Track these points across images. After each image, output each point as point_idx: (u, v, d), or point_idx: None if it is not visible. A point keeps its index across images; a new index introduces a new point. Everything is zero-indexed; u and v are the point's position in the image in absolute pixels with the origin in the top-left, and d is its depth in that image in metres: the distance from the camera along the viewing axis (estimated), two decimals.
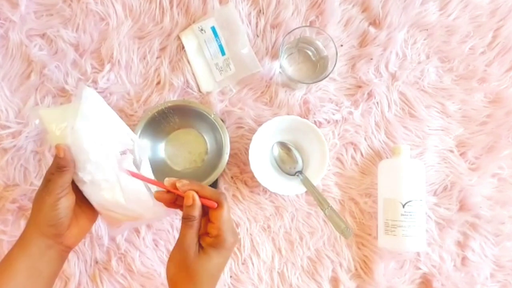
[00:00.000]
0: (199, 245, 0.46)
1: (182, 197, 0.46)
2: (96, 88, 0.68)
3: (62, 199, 0.47)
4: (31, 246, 0.47)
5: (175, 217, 0.68)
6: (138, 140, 0.55)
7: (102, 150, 0.49)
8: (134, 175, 0.51)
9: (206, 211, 0.47)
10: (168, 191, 0.47)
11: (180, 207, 0.48)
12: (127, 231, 0.67)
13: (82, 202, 0.50)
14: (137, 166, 0.54)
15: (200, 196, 0.46)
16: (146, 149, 0.55)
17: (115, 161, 0.50)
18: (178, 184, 0.46)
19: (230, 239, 0.46)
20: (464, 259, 0.69)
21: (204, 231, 0.47)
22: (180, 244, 0.46)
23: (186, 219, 0.46)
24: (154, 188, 0.54)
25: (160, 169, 0.67)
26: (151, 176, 0.55)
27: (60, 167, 0.46)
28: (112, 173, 0.50)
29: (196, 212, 0.45)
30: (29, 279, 0.47)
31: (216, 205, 0.46)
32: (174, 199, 0.48)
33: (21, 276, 0.47)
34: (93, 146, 0.48)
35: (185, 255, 0.45)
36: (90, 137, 0.48)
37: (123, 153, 0.53)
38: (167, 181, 0.47)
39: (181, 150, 0.69)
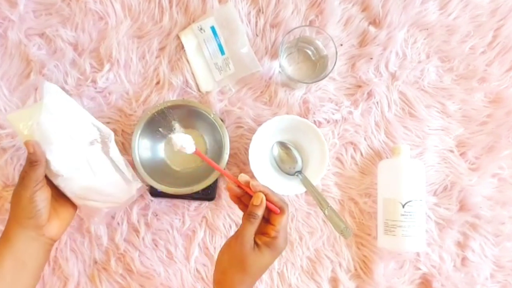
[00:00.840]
0: (254, 241, 0.50)
1: (249, 196, 0.51)
2: (95, 88, 0.68)
3: (37, 192, 0.49)
4: (14, 241, 0.49)
5: (175, 217, 0.68)
6: (105, 129, 0.58)
7: (70, 141, 0.52)
8: (207, 161, 0.54)
9: (267, 215, 0.52)
10: (239, 186, 0.51)
11: (242, 204, 0.52)
12: (126, 231, 0.67)
13: (59, 196, 0.53)
14: (106, 153, 0.57)
15: (267, 200, 0.50)
16: (112, 136, 0.59)
17: (84, 150, 0.53)
18: (252, 183, 0.50)
19: (283, 244, 0.51)
20: (464, 259, 0.69)
21: (260, 231, 0.51)
22: (239, 237, 0.49)
23: (250, 216, 0.50)
24: (125, 170, 0.58)
25: (160, 169, 0.67)
26: (120, 159, 0.59)
27: (32, 162, 0.48)
28: (84, 161, 0.53)
29: (261, 211, 0.50)
30: (16, 272, 0.49)
31: (279, 211, 0.50)
32: (241, 195, 0.52)
33: (6, 269, 0.49)
34: (60, 138, 0.50)
35: (242, 248, 0.49)
36: (56, 129, 0.50)
37: (91, 143, 0.56)
38: (242, 177, 0.51)
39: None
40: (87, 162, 0.53)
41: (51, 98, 0.52)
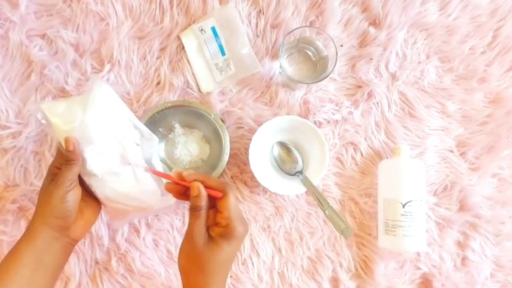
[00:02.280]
0: (208, 235, 0.46)
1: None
2: None
3: (70, 191, 0.47)
4: (37, 239, 0.48)
5: (175, 217, 0.68)
6: (148, 133, 0.55)
7: (113, 143, 0.49)
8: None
9: (214, 202, 0.47)
10: (176, 183, 0.47)
11: (189, 198, 0.48)
12: (127, 231, 0.67)
13: (86, 195, 0.51)
14: (146, 158, 0.54)
15: (205, 187, 0.46)
16: (157, 142, 0.56)
17: (126, 153, 0.51)
18: (184, 174, 0.46)
19: (239, 228, 0.45)
20: (464, 259, 0.69)
21: (213, 222, 0.47)
22: (189, 234, 0.46)
23: (193, 210, 0.46)
24: (164, 179, 0.54)
25: (160, 170, 0.67)
26: (160, 169, 0.55)
27: (69, 160, 0.46)
28: (124, 164, 0.50)
29: (202, 202, 0.45)
30: (35, 272, 0.47)
31: (221, 194, 0.46)
32: (183, 191, 0.48)
33: (27, 269, 0.47)
34: (102, 139, 0.48)
35: (194, 246, 0.45)
36: (100, 129, 0.48)
37: (134, 147, 0.53)
38: (174, 172, 0.47)
39: (181, 150, 0.69)
40: (131, 168, 0.51)
41: (99, 97, 0.49)
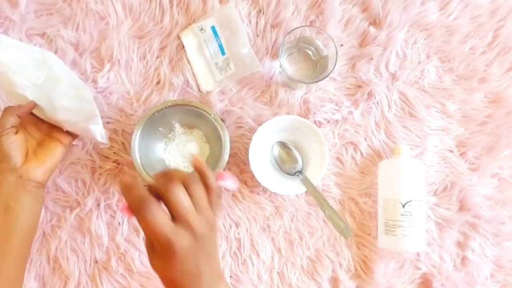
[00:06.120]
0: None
1: None
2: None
3: (3, 137, 0.52)
4: None
5: None
6: (46, 53, 0.58)
7: (25, 56, 0.54)
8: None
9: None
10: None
11: None
12: (126, 231, 0.67)
13: (43, 139, 0.57)
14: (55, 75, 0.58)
15: None
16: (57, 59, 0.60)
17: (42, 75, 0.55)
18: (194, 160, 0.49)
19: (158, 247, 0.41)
20: (464, 259, 0.69)
21: None
22: None
23: None
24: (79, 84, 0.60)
25: (160, 169, 0.67)
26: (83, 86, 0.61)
27: None
28: (52, 84, 0.55)
29: None
30: (4, 216, 0.52)
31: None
32: None
33: None
34: (18, 71, 0.53)
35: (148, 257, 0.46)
36: (11, 64, 0.52)
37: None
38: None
39: (180, 150, 0.69)
40: (55, 83, 0.56)
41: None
